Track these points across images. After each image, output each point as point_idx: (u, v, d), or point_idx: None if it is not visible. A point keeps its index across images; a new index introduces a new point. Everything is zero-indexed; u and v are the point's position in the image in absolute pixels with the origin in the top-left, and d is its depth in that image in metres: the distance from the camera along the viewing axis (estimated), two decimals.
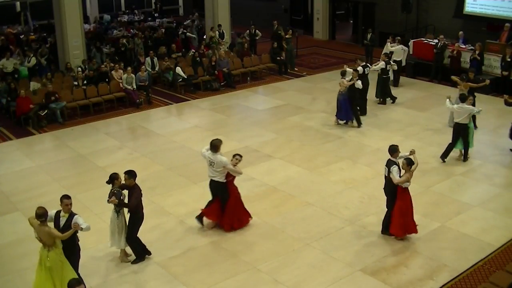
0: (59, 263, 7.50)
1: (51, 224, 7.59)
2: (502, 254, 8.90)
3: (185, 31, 22.75)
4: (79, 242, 7.92)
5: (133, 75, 17.19)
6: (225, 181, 9.40)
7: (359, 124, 14.53)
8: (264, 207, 10.52)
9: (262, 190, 11.25)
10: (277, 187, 11.35)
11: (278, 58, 20.27)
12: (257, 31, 22.08)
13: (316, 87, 18.40)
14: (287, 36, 20.87)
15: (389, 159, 8.99)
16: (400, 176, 8.82)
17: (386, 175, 9.02)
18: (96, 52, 19.73)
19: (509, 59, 16.55)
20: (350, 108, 14.36)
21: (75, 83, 16.86)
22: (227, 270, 8.59)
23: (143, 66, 17.94)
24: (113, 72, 17.47)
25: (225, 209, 9.53)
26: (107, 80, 17.24)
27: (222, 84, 18.46)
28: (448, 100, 12.34)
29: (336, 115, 14.70)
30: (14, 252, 9.25)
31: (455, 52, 17.55)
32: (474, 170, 12.07)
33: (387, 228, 9.31)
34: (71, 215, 7.65)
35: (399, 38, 18.42)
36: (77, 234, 7.78)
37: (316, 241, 9.33)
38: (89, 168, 12.58)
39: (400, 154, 9.08)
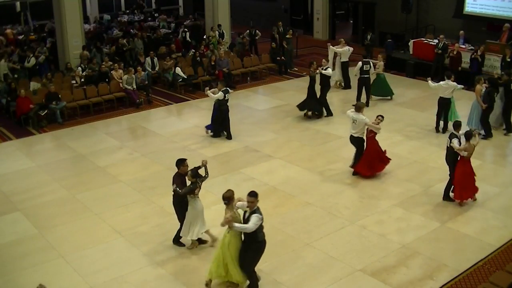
0: (232, 242, 7.85)
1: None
2: (502, 254, 8.90)
3: (185, 30, 22.74)
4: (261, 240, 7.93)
5: (134, 76, 17.19)
6: (362, 136, 11.50)
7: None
8: (264, 207, 10.38)
9: (262, 190, 11.11)
10: (277, 187, 11.35)
11: (278, 58, 20.27)
12: (257, 31, 22.10)
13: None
14: (287, 36, 20.89)
15: (452, 133, 10.36)
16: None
17: (448, 146, 10.37)
18: (96, 52, 19.71)
19: (509, 59, 16.54)
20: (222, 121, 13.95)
21: (73, 82, 16.85)
22: None
23: (139, 67, 17.86)
24: (113, 72, 17.46)
25: (362, 157, 11.59)
26: (107, 80, 17.24)
27: None
28: (430, 81, 13.91)
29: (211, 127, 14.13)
30: (14, 252, 9.24)
31: (455, 52, 17.54)
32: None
33: (448, 194, 10.47)
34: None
35: (342, 40, 18.50)
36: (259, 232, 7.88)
37: (316, 241, 9.33)
38: (89, 168, 12.59)
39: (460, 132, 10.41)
